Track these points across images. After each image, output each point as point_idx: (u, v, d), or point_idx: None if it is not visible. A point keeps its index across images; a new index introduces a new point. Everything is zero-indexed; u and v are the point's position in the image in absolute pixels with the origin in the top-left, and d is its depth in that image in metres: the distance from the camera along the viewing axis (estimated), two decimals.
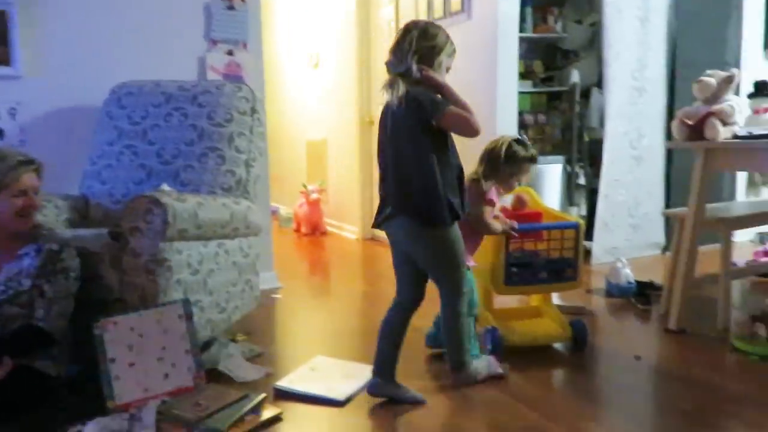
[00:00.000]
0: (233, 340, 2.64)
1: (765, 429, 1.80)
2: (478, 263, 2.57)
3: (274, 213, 6.09)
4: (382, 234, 5.60)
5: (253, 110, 2.74)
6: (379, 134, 2.00)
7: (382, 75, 5.43)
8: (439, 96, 1.90)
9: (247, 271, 2.56)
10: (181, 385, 2.04)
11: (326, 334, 2.81)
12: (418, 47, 1.89)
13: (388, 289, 3.68)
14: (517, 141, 2.32)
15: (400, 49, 1.91)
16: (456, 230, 1.96)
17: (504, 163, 2.28)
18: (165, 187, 2.44)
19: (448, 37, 1.96)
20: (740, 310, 2.90)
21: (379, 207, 2.02)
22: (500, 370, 2.20)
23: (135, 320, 2.02)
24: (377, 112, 5.28)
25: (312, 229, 5.64)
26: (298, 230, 5.81)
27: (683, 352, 2.45)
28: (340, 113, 5.52)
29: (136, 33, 3.19)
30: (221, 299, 2.37)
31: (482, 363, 2.17)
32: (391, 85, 1.90)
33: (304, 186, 5.70)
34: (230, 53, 3.40)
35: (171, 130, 2.68)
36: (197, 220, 2.17)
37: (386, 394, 2.06)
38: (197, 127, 2.65)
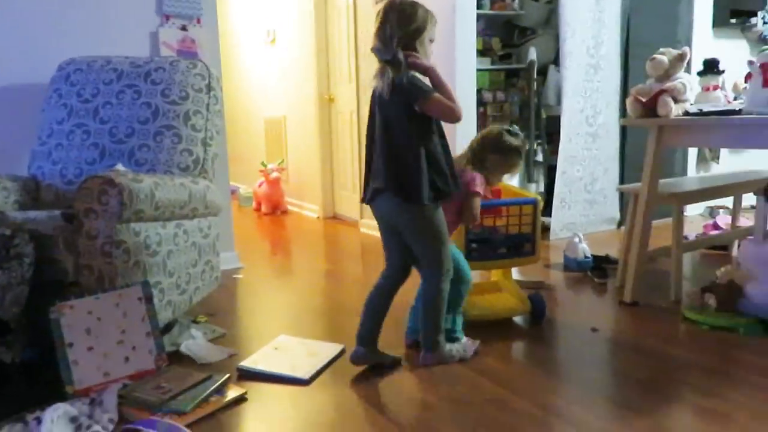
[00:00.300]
0: (195, 322, 2.61)
1: (715, 395, 1.88)
2: None
3: (234, 192, 6.02)
4: (343, 212, 5.59)
5: (209, 87, 2.68)
6: (369, 117, 2.06)
7: (340, 52, 5.35)
8: (427, 80, 1.96)
9: (208, 251, 2.52)
10: (143, 368, 2.01)
11: (289, 314, 2.81)
12: (401, 33, 1.92)
13: (351, 267, 3.70)
14: (509, 131, 2.30)
15: (383, 35, 1.94)
16: (439, 210, 2.02)
17: (492, 153, 2.28)
18: (120, 167, 2.38)
19: (426, 10, 1.98)
20: (691, 282, 3.00)
21: (364, 184, 2.09)
22: (474, 352, 2.22)
23: (92, 303, 1.97)
24: (336, 90, 5.27)
25: (272, 209, 5.60)
26: (258, 209, 5.76)
27: (637, 324, 2.52)
28: (299, 90, 5.45)
29: (83, 6, 3.07)
30: (181, 280, 2.34)
31: (457, 346, 2.20)
32: (381, 74, 1.96)
33: (264, 164, 5.63)
34: (184, 29, 3.31)
35: (124, 108, 2.60)
36: (154, 201, 2.13)
37: (369, 361, 2.11)
38: (151, 105, 2.58)
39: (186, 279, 2.37)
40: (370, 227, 4.56)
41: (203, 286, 2.51)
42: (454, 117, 1.94)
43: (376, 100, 2.00)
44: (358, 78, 4.62)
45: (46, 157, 2.63)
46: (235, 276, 3.45)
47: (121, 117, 2.59)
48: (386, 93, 1.92)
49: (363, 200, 2.10)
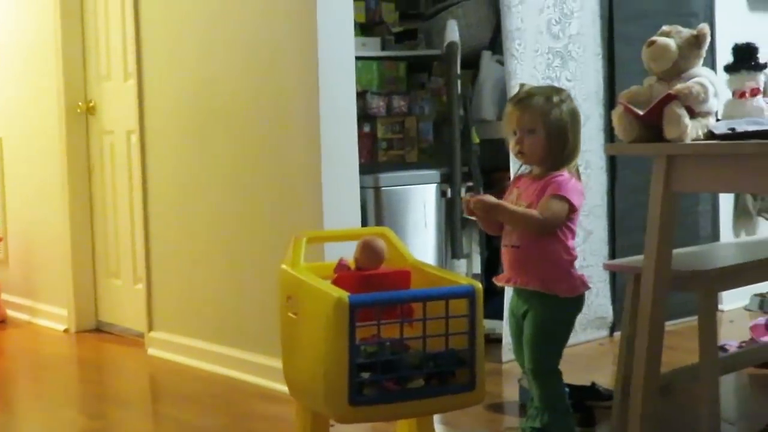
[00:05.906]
0: None
1: None
2: (299, 369, 2.57)
3: None
4: (116, 320, 5.46)
5: None
6: None
7: (106, 24, 5.26)
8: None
9: None
10: None
11: None
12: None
13: (130, 423, 3.55)
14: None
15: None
16: None
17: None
18: None
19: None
20: (736, 426, 3.11)
21: None
22: None
23: None
24: (99, 93, 5.16)
25: None
26: None
27: None
28: (28, 92, 5.42)
29: None
30: None
31: None
32: None
33: None
34: None
35: None
36: None
37: None
38: None
39: None
40: (163, 346, 4.43)
41: None
42: None
43: None
44: (140, 71, 4.57)
45: None
46: None
47: None
48: None
49: None
